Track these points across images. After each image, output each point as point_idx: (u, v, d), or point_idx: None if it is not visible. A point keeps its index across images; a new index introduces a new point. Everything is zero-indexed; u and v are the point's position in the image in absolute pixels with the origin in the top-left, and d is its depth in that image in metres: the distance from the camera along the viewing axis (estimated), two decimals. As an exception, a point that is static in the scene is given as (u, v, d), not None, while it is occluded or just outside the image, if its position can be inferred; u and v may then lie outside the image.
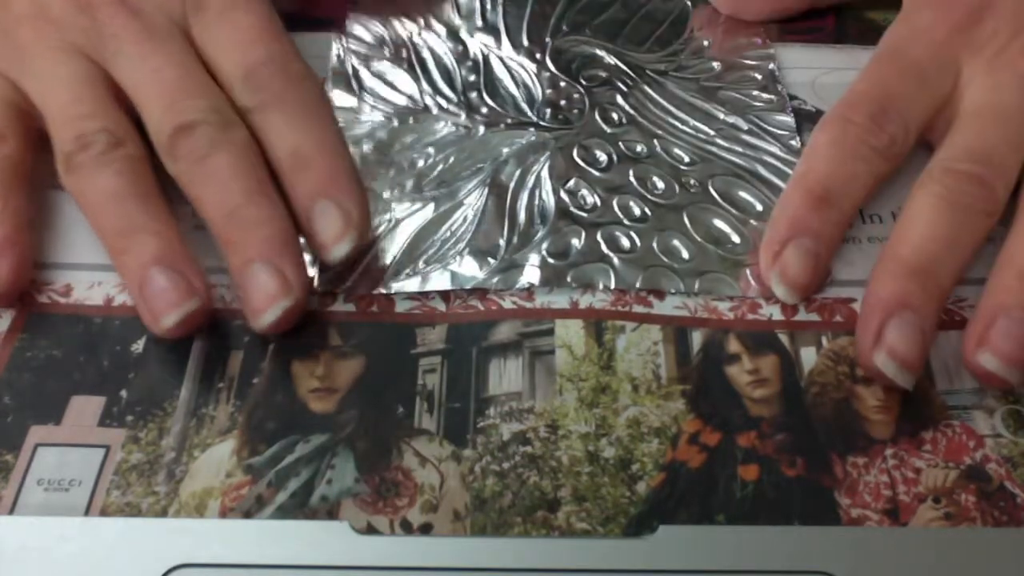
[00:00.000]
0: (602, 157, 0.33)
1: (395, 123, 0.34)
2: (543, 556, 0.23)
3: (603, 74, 0.36)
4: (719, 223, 0.31)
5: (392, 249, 0.30)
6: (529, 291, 0.29)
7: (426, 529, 0.24)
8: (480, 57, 0.37)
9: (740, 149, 0.33)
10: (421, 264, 0.30)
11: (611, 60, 0.37)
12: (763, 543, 0.23)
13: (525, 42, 0.37)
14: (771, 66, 0.36)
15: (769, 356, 0.27)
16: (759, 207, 0.31)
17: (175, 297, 0.27)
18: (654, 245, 0.30)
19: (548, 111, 0.35)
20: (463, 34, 0.38)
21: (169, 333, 0.27)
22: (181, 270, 0.27)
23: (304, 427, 0.26)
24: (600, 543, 0.23)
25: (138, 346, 0.28)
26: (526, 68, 0.36)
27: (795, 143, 0.33)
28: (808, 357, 0.28)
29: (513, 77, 0.36)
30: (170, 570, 0.22)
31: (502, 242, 0.30)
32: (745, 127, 0.34)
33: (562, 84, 0.36)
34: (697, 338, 0.28)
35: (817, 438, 0.26)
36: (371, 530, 0.24)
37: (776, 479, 0.25)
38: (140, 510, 0.24)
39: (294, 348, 0.28)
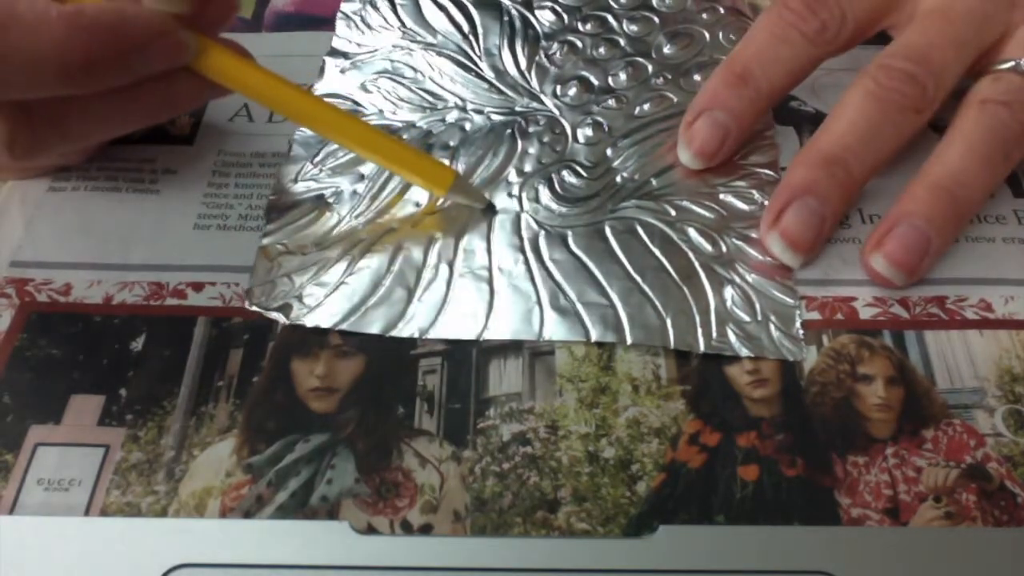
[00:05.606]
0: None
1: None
2: (543, 556, 0.23)
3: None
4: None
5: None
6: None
7: (426, 530, 0.24)
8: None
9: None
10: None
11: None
12: (763, 543, 0.23)
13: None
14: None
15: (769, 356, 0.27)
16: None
17: None
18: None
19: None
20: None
21: None
22: None
23: (304, 427, 0.26)
24: (600, 543, 0.23)
25: (137, 344, 0.28)
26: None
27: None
28: (808, 356, 0.27)
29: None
30: (170, 570, 0.22)
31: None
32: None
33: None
34: (697, 337, 0.28)
35: (817, 438, 0.26)
36: (371, 530, 0.24)
37: (776, 479, 0.25)
38: (140, 510, 0.24)
39: (294, 347, 0.28)
